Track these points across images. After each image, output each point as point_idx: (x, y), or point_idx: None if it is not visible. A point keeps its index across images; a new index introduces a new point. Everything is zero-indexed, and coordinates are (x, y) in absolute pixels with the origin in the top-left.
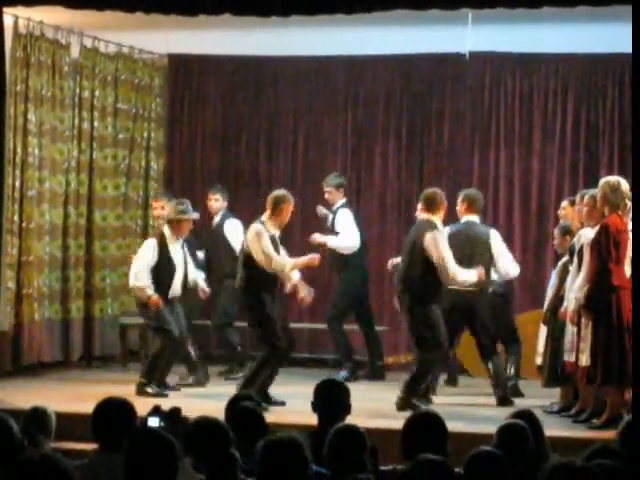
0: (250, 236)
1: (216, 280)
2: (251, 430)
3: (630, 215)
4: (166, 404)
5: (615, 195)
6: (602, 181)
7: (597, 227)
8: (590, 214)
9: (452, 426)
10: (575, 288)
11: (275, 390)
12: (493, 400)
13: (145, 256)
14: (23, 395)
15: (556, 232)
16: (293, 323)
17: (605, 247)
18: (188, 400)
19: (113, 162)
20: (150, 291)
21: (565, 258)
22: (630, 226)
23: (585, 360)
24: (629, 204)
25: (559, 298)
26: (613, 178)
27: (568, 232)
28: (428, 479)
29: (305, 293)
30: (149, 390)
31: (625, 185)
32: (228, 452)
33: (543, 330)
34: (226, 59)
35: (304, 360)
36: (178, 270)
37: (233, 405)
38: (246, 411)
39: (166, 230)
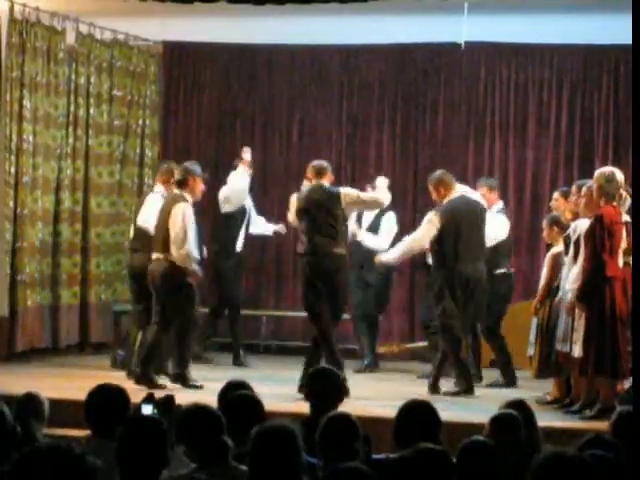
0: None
1: None
2: (247, 417)
3: (626, 205)
4: (160, 392)
5: (610, 186)
6: (597, 172)
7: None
8: (588, 205)
9: (445, 415)
10: (571, 279)
11: (270, 377)
12: (486, 389)
13: (191, 223)
14: (16, 381)
15: (544, 223)
16: (288, 311)
17: (599, 238)
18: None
19: (108, 149)
20: (196, 265)
21: (555, 249)
22: (625, 217)
23: (578, 351)
24: (624, 194)
25: (552, 289)
26: (607, 169)
27: (556, 223)
28: (427, 468)
29: None
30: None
31: (620, 175)
32: (220, 439)
33: (535, 321)
34: (221, 47)
35: (298, 348)
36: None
37: (227, 392)
38: (243, 398)
39: (186, 196)
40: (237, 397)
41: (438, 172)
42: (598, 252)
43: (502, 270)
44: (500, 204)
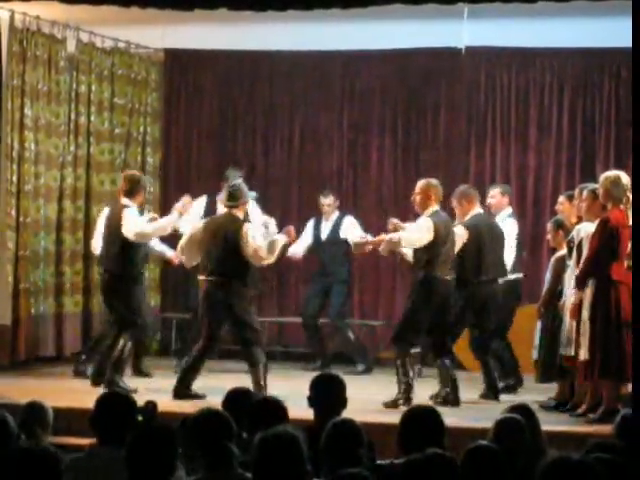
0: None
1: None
2: (272, 421)
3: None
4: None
5: (617, 189)
6: (602, 177)
7: (597, 221)
8: (590, 209)
9: (448, 421)
10: (574, 283)
11: (274, 384)
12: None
13: None
14: (20, 390)
15: (549, 226)
16: (291, 317)
17: (604, 241)
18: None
19: (109, 157)
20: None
21: (559, 253)
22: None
23: (584, 354)
24: (631, 197)
25: (557, 292)
26: (612, 173)
27: (561, 226)
28: (435, 473)
29: None
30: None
31: (625, 178)
32: (226, 446)
33: (539, 325)
34: (222, 54)
35: (301, 354)
36: None
37: (239, 397)
38: (269, 402)
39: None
40: (262, 401)
41: (464, 186)
42: (599, 251)
43: (513, 276)
44: (510, 209)
